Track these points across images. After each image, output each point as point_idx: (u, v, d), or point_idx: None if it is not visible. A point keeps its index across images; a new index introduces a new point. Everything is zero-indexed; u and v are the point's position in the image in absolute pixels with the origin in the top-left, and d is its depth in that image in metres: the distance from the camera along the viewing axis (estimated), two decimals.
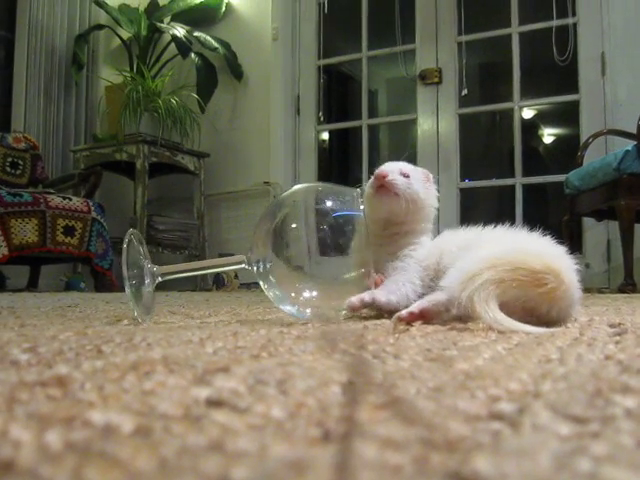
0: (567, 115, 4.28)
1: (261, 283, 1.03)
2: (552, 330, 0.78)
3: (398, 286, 1.07)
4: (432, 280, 1.07)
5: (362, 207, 1.04)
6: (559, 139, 5.66)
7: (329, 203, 1.06)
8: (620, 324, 0.86)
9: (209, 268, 1.13)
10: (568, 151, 3.88)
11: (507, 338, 0.70)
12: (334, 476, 0.22)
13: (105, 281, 3.37)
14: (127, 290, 0.94)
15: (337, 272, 1.06)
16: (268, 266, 1.01)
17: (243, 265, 1.03)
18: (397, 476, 0.22)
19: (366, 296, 1.01)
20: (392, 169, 1.14)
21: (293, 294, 1.03)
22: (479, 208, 4.60)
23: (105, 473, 0.22)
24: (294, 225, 1.07)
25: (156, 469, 0.23)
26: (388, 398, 0.35)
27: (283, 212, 1.06)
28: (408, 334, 0.74)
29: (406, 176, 1.14)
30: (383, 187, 1.12)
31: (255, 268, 1.02)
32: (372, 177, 1.16)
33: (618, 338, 0.69)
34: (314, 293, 1.02)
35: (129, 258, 0.95)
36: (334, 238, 1.03)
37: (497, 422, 0.30)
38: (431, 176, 1.22)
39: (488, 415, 0.32)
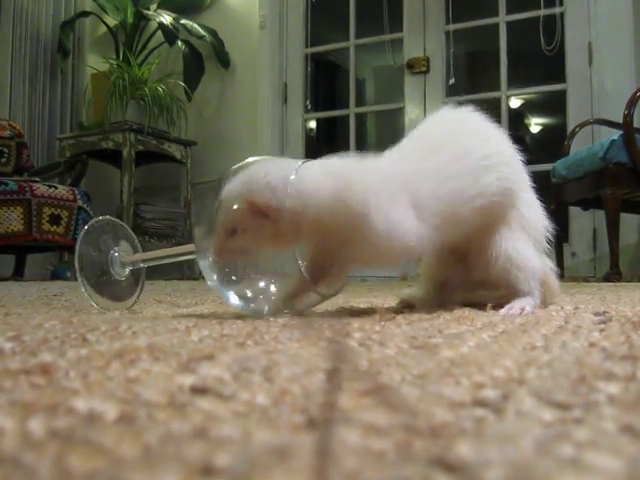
0: (554, 104, 4.28)
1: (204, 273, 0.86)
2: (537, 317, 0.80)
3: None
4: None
5: None
6: (546, 128, 5.68)
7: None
8: (605, 312, 0.87)
9: (170, 257, 0.96)
10: (555, 140, 3.88)
11: (493, 326, 0.70)
12: (317, 462, 0.22)
13: None
14: (79, 279, 0.91)
15: (285, 260, 0.87)
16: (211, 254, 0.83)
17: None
18: (380, 462, 0.22)
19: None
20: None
21: (240, 284, 0.87)
22: None
23: (88, 460, 0.22)
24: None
25: (139, 456, 0.23)
26: (373, 385, 0.35)
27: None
28: (394, 322, 0.74)
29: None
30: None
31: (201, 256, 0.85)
32: None
33: (603, 326, 0.70)
34: (263, 283, 0.87)
35: (96, 247, 0.93)
36: None
37: (481, 408, 0.31)
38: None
39: (472, 402, 0.32)
